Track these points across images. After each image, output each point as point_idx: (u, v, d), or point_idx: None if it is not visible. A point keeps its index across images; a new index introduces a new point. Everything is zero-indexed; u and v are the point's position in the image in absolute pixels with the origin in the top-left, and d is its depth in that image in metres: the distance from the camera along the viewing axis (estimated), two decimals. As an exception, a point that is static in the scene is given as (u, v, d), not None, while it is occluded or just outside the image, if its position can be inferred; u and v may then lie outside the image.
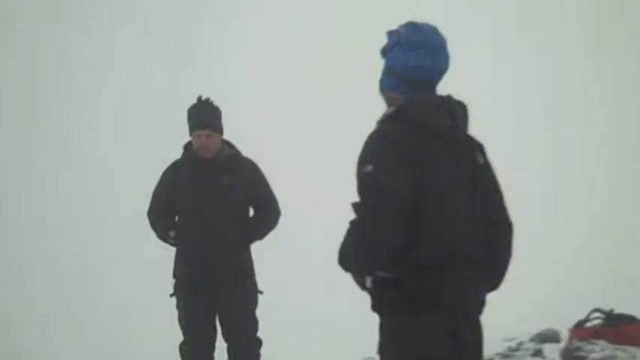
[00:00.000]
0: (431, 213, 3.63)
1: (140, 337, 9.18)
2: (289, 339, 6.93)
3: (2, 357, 9.59)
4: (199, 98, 6.50)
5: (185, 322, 6.44)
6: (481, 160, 3.85)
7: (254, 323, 6.46)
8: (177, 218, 6.55)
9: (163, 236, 6.53)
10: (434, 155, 3.68)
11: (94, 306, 10.28)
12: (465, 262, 3.70)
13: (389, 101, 3.84)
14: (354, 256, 3.64)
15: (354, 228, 3.64)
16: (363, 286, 3.76)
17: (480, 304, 3.84)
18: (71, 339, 9.63)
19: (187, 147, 6.56)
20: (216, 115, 6.48)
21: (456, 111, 3.79)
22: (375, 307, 3.77)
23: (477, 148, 3.87)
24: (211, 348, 6.44)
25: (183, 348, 6.47)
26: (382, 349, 3.79)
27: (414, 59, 3.76)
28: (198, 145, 6.42)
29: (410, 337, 3.67)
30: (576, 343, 7.53)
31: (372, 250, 3.59)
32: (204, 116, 6.42)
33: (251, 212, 6.57)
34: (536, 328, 8.83)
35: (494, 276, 3.87)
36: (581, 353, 7.39)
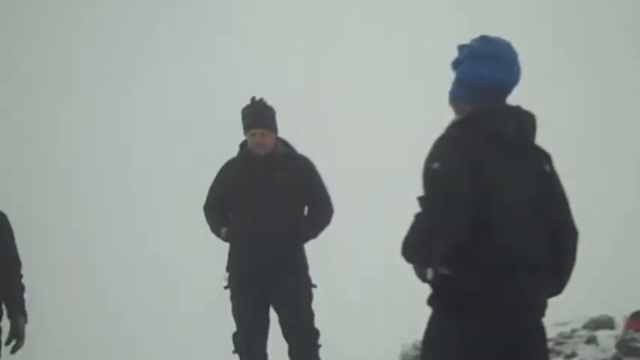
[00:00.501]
0: (495, 216, 3.70)
1: (196, 327, 9.32)
2: (340, 331, 7.07)
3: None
4: (253, 98, 6.67)
5: (238, 313, 6.59)
6: (547, 169, 3.93)
7: (310, 315, 6.62)
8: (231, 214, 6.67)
9: (216, 232, 6.68)
10: (499, 161, 3.76)
11: (148, 295, 10.44)
12: (528, 266, 3.76)
13: (458, 111, 3.93)
14: (417, 247, 3.73)
15: (418, 220, 3.75)
16: (423, 279, 3.84)
17: (542, 308, 3.91)
18: (130, 326, 9.83)
19: (243, 145, 6.71)
20: (270, 114, 6.65)
21: (523, 121, 3.88)
22: (430, 302, 3.84)
23: (544, 157, 3.95)
24: (264, 338, 6.61)
25: (236, 338, 6.61)
26: (427, 345, 3.89)
27: (484, 70, 3.84)
28: (252, 143, 6.58)
29: (458, 340, 3.74)
30: (632, 334, 7.52)
31: (434, 242, 3.68)
32: (257, 116, 6.59)
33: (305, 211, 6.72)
34: (589, 313, 8.78)
35: (556, 282, 3.94)
36: (637, 344, 7.40)
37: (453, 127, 3.85)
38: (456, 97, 3.92)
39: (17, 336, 6.06)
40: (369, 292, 10.09)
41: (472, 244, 3.67)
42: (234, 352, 6.65)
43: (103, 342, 9.46)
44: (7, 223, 6.11)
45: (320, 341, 6.64)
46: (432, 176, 3.69)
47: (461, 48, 3.95)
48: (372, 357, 8.61)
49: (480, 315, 3.70)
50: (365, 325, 9.30)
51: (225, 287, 6.67)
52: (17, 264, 6.13)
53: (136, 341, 9.40)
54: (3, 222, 6.08)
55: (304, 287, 6.61)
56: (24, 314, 6.11)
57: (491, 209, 3.68)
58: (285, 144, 6.74)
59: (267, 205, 6.48)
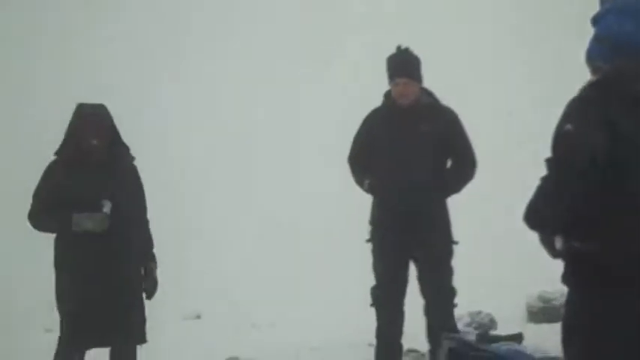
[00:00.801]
0: (633, 183, 3.42)
1: (334, 279, 9.40)
2: (464, 283, 6.99)
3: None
4: (398, 47, 6.52)
5: (378, 267, 6.52)
6: None
7: (449, 273, 6.50)
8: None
9: (359, 183, 6.58)
10: (639, 125, 3.45)
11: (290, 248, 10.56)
12: None
13: (594, 71, 3.63)
14: (541, 213, 3.51)
15: (544, 184, 3.54)
16: (552, 250, 3.61)
17: None
18: (266, 278, 9.99)
19: (387, 95, 6.57)
20: (414, 63, 6.49)
21: None
22: (565, 279, 3.63)
23: None
24: (402, 294, 6.53)
25: (375, 292, 6.56)
26: (567, 329, 3.68)
27: (628, 25, 3.54)
28: (396, 93, 6.44)
29: (598, 323, 3.45)
30: None
31: (558, 207, 3.49)
32: (401, 64, 6.44)
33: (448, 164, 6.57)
34: None
35: None
36: None
37: (589, 88, 3.55)
38: (594, 55, 3.62)
39: (152, 283, 6.08)
40: (494, 242, 9.95)
41: (606, 213, 3.40)
42: (372, 305, 6.61)
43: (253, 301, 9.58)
44: (138, 174, 6.10)
45: (456, 300, 6.55)
46: (562, 138, 3.43)
47: (603, 1, 3.70)
48: (497, 308, 8.51)
49: (621, 294, 3.42)
50: (489, 276, 9.18)
51: (368, 240, 6.59)
52: (144, 213, 6.12)
53: (273, 298, 9.50)
54: (133, 174, 6.07)
55: (446, 244, 6.49)
56: (154, 261, 6.13)
57: (629, 175, 3.40)
58: (429, 94, 6.56)
59: (409, 156, 6.35)
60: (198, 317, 9.26)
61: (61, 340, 5.89)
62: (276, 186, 11.35)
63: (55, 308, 5.96)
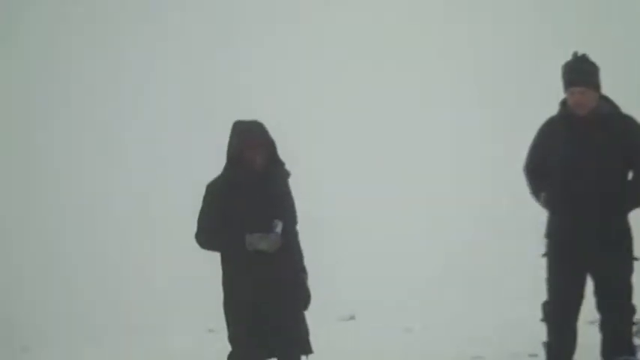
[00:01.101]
0: None
1: (497, 290, 9.27)
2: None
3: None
4: (575, 53, 6.25)
5: (552, 283, 6.30)
6: None
7: (628, 290, 6.26)
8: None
9: (535, 195, 6.37)
10: None
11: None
12: None
13: None
14: None
15: None
16: None
17: None
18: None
19: (563, 104, 6.31)
20: (591, 70, 6.21)
21: None
22: None
23: None
24: (575, 312, 6.31)
25: (547, 307, 6.35)
26: None
27: None
28: (572, 102, 6.18)
29: None
30: None
31: None
32: (577, 72, 6.17)
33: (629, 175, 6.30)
34: None
35: None
36: None
37: None
38: None
39: (306, 294, 6.02)
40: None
41: None
42: (542, 320, 6.40)
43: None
44: (290, 188, 6.00)
45: (635, 318, 6.30)
46: None
47: None
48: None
49: None
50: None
51: (543, 255, 6.38)
52: (296, 225, 6.03)
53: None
54: (288, 189, 5.97)
55: (626, 259, 6.22)
56: (305, 272, 6.05)
57: None
58: (608, 102, 6.29)
59: (586, 168, 6.09)
60: (353, 318, 9.22)
61: (232, 355, 5.90)
62: (443, 193, 11.22)
63: (222, 310, 5.96)
